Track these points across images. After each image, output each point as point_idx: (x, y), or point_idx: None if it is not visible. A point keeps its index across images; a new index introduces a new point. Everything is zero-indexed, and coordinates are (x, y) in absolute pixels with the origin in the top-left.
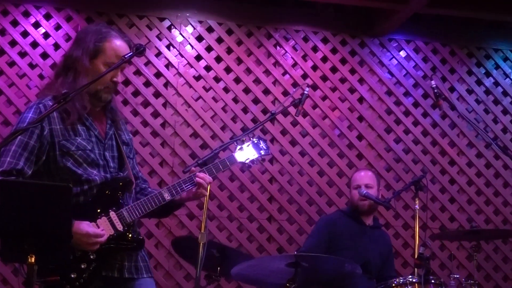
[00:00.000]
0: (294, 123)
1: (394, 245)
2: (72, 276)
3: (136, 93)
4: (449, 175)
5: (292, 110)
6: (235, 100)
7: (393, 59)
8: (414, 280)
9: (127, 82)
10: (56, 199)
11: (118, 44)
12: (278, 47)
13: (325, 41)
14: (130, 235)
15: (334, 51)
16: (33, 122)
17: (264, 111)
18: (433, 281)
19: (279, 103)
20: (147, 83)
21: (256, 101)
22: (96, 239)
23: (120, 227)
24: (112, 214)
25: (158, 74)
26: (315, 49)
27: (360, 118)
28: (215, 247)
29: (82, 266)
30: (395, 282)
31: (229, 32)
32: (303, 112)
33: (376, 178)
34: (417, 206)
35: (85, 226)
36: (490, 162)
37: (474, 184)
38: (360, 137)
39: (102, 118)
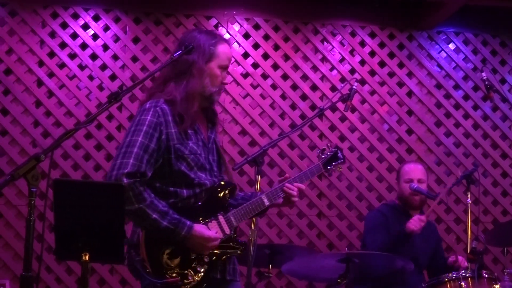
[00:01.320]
0: (343, 119)
1: (446, 240)
2: (190, 278)
3: None
4: (501, 168)
5: (340, 105)
6: (283, 96)
7: (442, 52)
8: (467, 275)
9: None
10: (108, 198)
11: (227, 48)
12: (325, 43)
13: (372, 35)
14: (235, 239)
15: (382, 45)
16: (84, 122)
17: (312, 107)
18: (486, 275)
19: (327, 99)
20: None
21: (304, 97)
22: (213, 243)
23: (227, 231)
24: (221, 218)
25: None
26: (362, 43)
27: (409, 112)
28: (266, 244)
29: (198, 269)
30: (447, 277)
31: (276, 29)
32: (352, 107)
33: (426, 172)
34: (469, 200)
35: (205, 230)
36: None
37: None
38: (409, 131)
39: (203, 121)
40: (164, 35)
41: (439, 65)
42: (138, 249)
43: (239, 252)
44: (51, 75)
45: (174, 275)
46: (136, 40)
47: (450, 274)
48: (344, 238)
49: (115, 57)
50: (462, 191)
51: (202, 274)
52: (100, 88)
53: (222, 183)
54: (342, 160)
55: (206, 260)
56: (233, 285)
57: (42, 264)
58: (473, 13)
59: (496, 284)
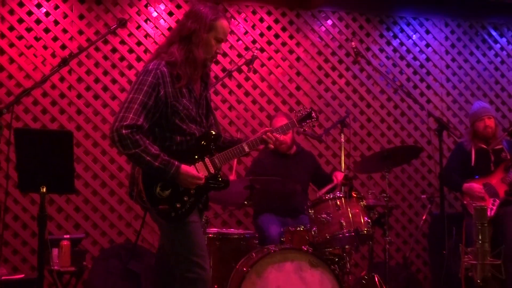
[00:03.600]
0: (247, 78)
1: (326, 170)
2: (177, 205)
3: (122, 58)
4: (366, 115)
5: (245, 68)
6: None
7: (322, 26)
8: (341, 195)
9: (114, 50)
10: (60, 142)
11: (225, 24)
12: (232, 19)
13: (269, 13)
14: (219, 177)
15: (276, 21)
16: (39, 82)
17: (223, 69)
18: (355, 195)
19: (235, 63)
20: (130, 50)
21: (216, 62)
22: (196, 180)
23: (212, 170)
24: (207, 159)
25: (139, 43)
26: (261, 20)
27: (298, 73)
28: None
29: (185, 199)
30: (326, 197)
31: None
32: (253, 70)
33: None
34: (342, 140)
35: (190, 169)
36: (397, 104)
37: (386, 122)
38: (298, 87)
39: (198, 81)
40: (104, 13)
41: (320, 37)
42: (138, 184)
43: (221, 187)
44: (11, 45)
45: (165, 205)
46: (81, 17)
47: (327, 195)
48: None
49: (64, 31)
50: (337, 133)
51: (190, 203)
52: (53, 55)
53: (209, 132)
54: (315, 119)
55: (192, 192)
56: (203, 214)
57: (10, 197)
58: None
59: (362, 201)
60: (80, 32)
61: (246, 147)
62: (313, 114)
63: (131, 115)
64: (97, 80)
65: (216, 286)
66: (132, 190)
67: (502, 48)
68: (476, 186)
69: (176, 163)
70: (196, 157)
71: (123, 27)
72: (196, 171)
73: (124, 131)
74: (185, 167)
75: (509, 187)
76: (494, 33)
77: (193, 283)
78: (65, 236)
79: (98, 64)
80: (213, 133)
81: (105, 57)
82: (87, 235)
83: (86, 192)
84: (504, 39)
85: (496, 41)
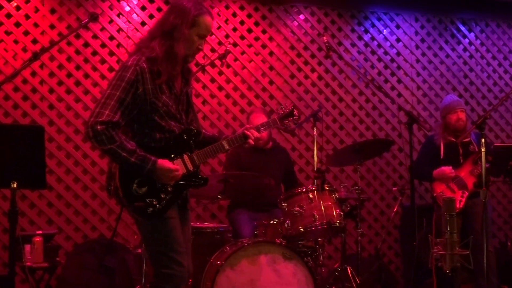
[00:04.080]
0: (220, 73)
1: (299, 163)
2: (154, 202)
3: (95, 52)
4: (338, 109)
5: (218, 62)
6: None
7: (294, 21)
8: (314, 189)
9: (86, 44)
10: (31, 137)
11: (209, 20)
12: None
13: (242, 8)
14: (198, 174)
15: (249, 16)
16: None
17: (197, 64)
18: (327, 188)
19: (208, 58)
20: (103, 45)
21: None
22: (173, 173)
23: (190, 167)
24: (185, 157)
25: (112, 38)
26: (234, 14)
27: (271, 68)
28: None
29: (162, 196)
30: (299, 190)
31: (167, 2)
32: (227, 64)
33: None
34: (315, 133)
35: (167, 163)
36: (368, 98)
37: (358, 115)
38: (271, 82)
39: (179, 77)
40: (76, 7)
41: (292, 32)
42: (115, 180)
43: (200, 184)
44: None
45: (141, 202)
46: (53, 11)
47: (301, 189)
48: (223, 165)
49: (35, 25)
50: (310, 126)
51: (165, 201)
52: (24, 50)
53: (188, 129)
54: (297, 117)
55: (170, 189)
56: (187, 213)
57: None
58: None
59: (335, 194)
60: (52, 27)
61: (226, 145)
62: (295, 112)
63: (107, 112)
64: (69, 75)
65: (190, 280)
66: (110, 185)
67: (470, 43)
68: (445, 168)
69: (153, 158)
70: (174, 154)
71: (95, 21)
72: (172, 164)
73: (99, 127)
74: (161, 162)
75: (478, 179)
76: (462, 28)
77: (170, 279)
78: (37, 232)
79: (70, 59)
80: (193, 129)
81: (78, 52)
82: (60, 231)
83: (59, 188)
84: (472, 34)
85: (464, 36)
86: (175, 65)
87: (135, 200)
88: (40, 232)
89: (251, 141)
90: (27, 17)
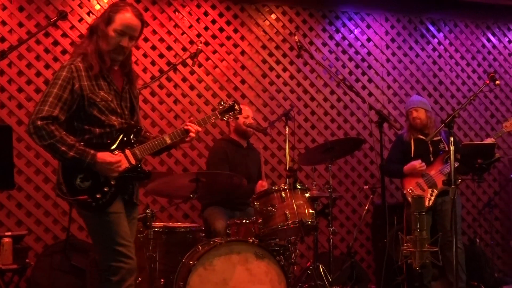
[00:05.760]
0: (192, 72)
1: (271, 162)
2: (97, 196)
3: (64, 51)
4: (310, 108)
5: (189, 61)
6: (144, 55)
7: (266, 20)
8: (286, 188)
9: (56, 43)
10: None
11: (127, 16)
12: (177, 13)
13: (213, 7)
14: (140, 168)
15: (221, 15)
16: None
17: (168, 63)
18: (299, 187)
19: (179, 57)
20: (73, 43)
21: (161, 55)
22: (115, 165)
23: (133, 161)
24: (127, 151)
25: (81, 36)
26: (206, 13)
27: (243, 67)
28: None
29: (105, 189)
30: (272, 189)
31: (137, 0)
32: (198, 63)
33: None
34: (287, 132)
35: (107, 156)
36: (340, 97)
37: (329, 114)
38: (243, 81)
39: (119, 76)
40: (45, 5)
41: (264, 31)
42: (59, 176)
43: (143, 178)
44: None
45: (84, 195)
46: (21, 9)
47: (273, 187)
48: (195, 164)
49: (3, 23)
50: (282, 126)
51: (110, 194)
52: None
53: (131, 124)
54: (238, 111)
55: (113, 183)
56: (135, 208)
57: None
58: None
59: (307, 193)
60: (20, 25)
61: (167, 139)
62: (236, 107)
63: (46, 108)
64: (38, 74)
65: (163, 280)
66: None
67: (439, 43)
68: (415, 162)
69: (92, 151)
70: (116, 148)
71: (64, 20)
72: (113, 156)
73: (39, 122)
74: (101, 155)
75: (447, 177)
76: (432, 28)
77: (117, 272)
78: (6, 234)
79: (39, 57)
80: (135, 125)
81: (47, 50)
82: (30, 232)
83: (29, 188)
84: (441, 34)
85: (434, 36)
86: (102, 60)
87: (79, 194)
88: (9, 233)
89: (192, 134)
90: None
